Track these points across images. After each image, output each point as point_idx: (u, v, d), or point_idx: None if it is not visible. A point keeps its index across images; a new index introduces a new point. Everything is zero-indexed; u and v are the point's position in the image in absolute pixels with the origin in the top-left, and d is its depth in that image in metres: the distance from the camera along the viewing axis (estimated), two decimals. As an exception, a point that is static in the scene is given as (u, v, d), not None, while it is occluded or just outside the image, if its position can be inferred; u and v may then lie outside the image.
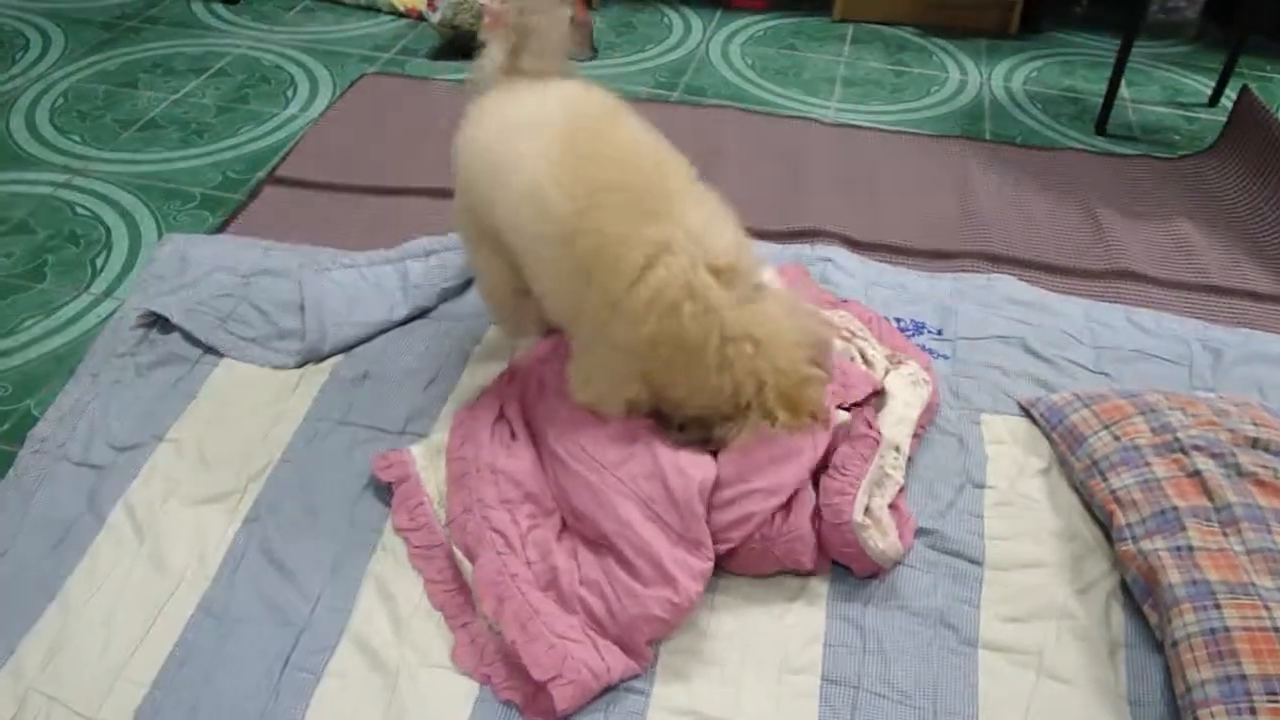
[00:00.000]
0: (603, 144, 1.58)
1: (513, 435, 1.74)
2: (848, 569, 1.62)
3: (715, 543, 1.56)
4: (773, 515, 1.58)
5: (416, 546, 1.62)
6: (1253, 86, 2.97)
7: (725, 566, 1.60)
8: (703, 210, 1.58)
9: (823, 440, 1.62)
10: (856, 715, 1.44)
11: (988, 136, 2.99)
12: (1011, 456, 1.83)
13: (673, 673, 1.49)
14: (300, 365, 1.96)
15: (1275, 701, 1.36)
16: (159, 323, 2.02)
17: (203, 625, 1.51)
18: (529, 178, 1.55)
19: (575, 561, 1.55)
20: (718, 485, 1.57)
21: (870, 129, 2.97)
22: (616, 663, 1.46)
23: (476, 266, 1.86)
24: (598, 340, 1.60)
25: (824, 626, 1.55)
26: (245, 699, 1.43)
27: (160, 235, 2.38)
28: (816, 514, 1.60)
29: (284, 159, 2.66)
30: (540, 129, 1.59)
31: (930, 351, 2.02)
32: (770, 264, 1.79)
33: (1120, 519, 1.65)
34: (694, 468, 1.57)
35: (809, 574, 1.62)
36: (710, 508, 1.56)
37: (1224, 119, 2.98)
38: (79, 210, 2.48)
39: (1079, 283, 2.35)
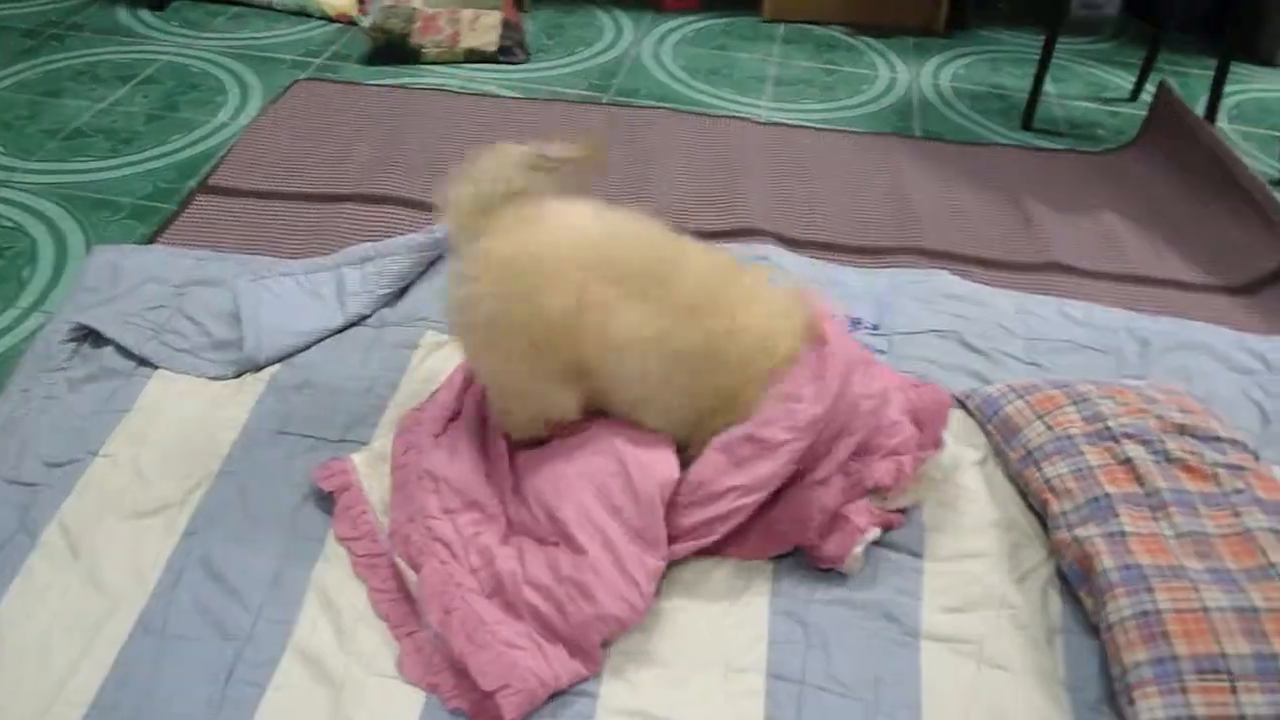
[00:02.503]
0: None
1: (447, 424, 1.74)
2: (787, 557, 1.65)
3: (699, 537, 1.58)
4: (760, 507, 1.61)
5: (360, 555, 1.61)
6: (1171, 81, 3.04)
7: (725, 553, 1.63)
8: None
9: (804, 440, 1.61)
10: (802, 711, 1.45)
11: (918, 133, 3.03)
12: (948, 448, 1.86)
13: (619, 674, 1.49)
14: (237, 376, 1.94)
15: (1205, 680, 1.39)
16: (90, 336, 1.99)
17: (142, 643, 1.49)
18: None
19: (521, 565, 1.55)
20: (699, 483, 1.58)
21: (803, 128, 3.00)
22: (565, 669, 1.46)
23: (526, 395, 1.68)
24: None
25: (768, 623, 1.56)
26: (187, 715, 1.40)
27: (88, 247, 2.34)
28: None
29: (216, 167, 2.63)
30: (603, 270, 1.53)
31: (867, 347, 2.05)
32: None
33: (1055, 507, 1.68)
34: (657, 464, 1.58)
35: (748, 558, 1.64)
36: (692, 504, 1.58)
37: (1145, 113, 3.05)
38: (3, 222, 2.43)
39: (1010, 276, 2.39)
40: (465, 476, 1.65)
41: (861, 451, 1.65)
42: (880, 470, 1.65)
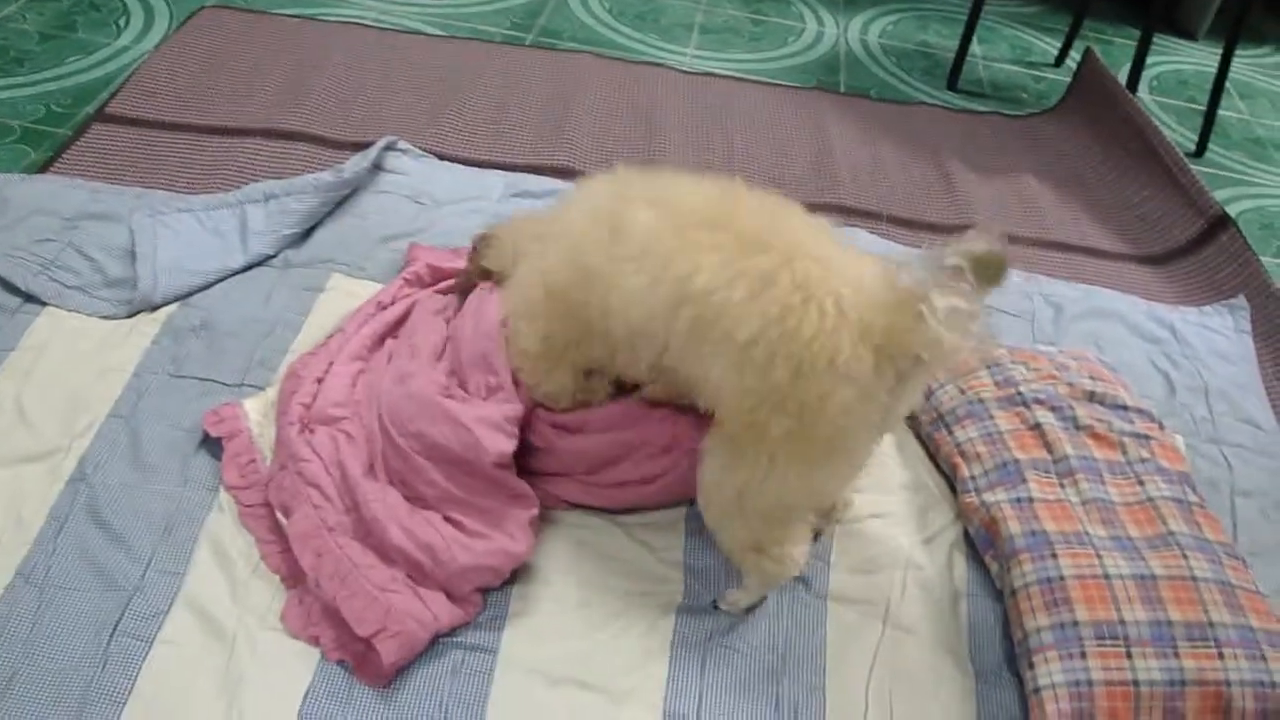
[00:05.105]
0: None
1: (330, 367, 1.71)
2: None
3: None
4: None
5: (247, 505, 1.56)
6: (1096, 49, 3.06)
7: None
8: None
9: None
10: (706, 671, 1.44)
11: (843, 89, 3.01)
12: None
13: (521, 630, 1.47)
14: (131, 315, 1.85)
15: (1103, 645, 1.42)
16: (-28, 269, 1.89)
17: (21, 594, 1.42)
18: None
19: (394, 511, 1.50)
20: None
21: (727, 77, 2.96)
22: (443, 610, 1.43)
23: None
24: None
25: (676, 582, 1.55)
26: (69, 670, 1.35)
27: (-25, 173, 2.22)
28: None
29: (115, 94, 2.51)
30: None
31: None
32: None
33: (964, 471, 1.69)
34: (491, 441, 1.52)
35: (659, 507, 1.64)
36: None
37: (1069, 79, 3.06)
38: (-116, 144, 2.30)
39: (928, 236, 2.39)
40: (332, 393, 1.64)
41: None
42: None
